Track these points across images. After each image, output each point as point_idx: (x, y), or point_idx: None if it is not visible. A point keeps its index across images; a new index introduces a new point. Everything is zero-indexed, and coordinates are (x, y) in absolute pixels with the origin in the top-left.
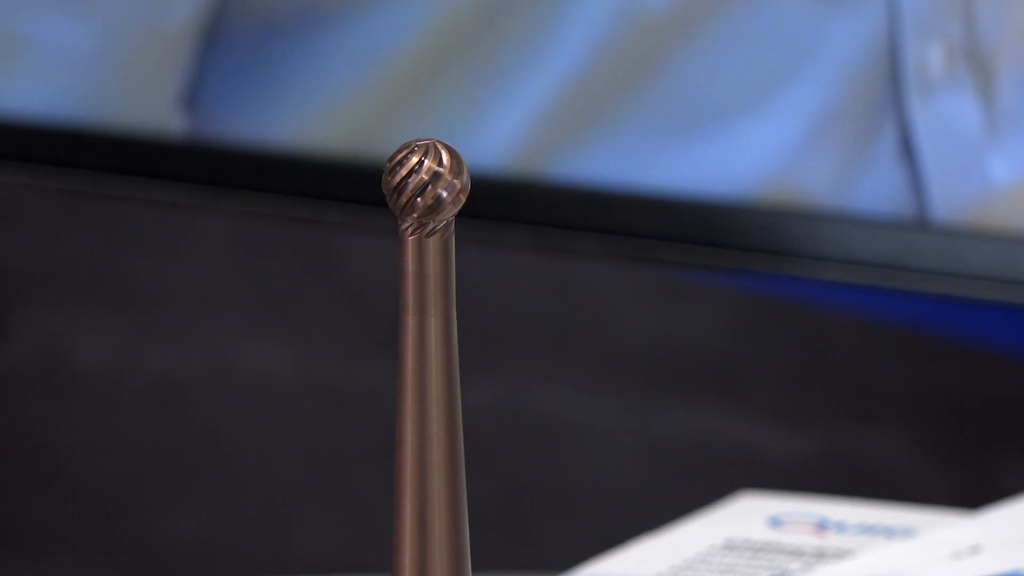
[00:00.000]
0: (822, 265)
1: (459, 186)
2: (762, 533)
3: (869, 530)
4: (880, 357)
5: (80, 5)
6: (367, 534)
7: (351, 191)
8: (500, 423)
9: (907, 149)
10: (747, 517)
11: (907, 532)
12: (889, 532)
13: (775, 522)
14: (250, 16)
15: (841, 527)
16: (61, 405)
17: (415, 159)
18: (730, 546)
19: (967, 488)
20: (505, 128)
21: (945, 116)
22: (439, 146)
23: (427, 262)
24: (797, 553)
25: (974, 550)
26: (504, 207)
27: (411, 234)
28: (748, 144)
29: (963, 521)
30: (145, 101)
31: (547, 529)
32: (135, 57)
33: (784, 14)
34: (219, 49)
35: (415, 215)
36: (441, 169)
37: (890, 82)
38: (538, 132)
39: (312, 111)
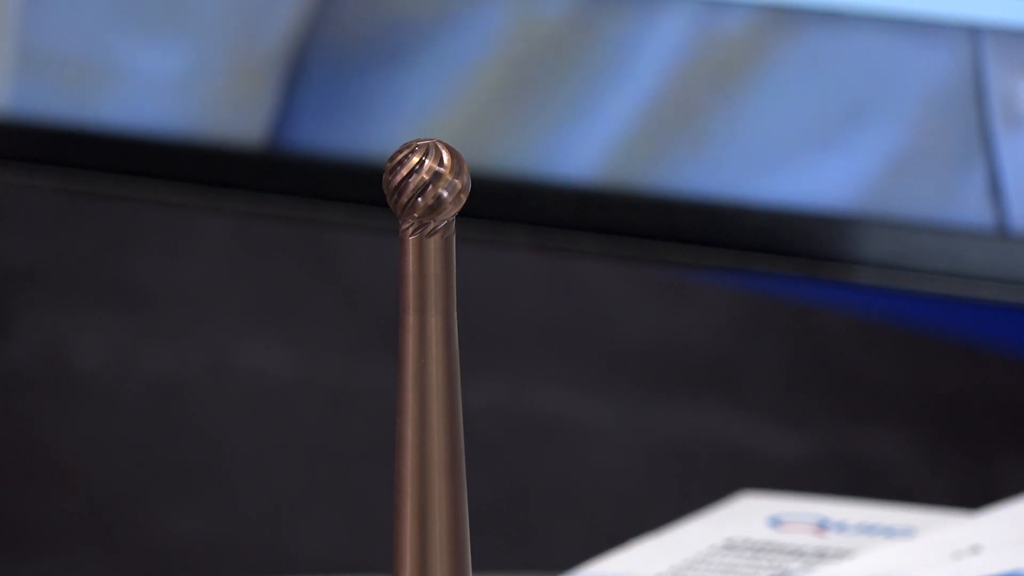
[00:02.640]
0: (822, 265)
1: (460, 186)
2: (762, 533)
3: (869, 530)
4: (880, 357)
5: (170, 31)
6: (367, 534)
7: (352, 191)
8: (500, 423)
9: (995, 189)
10: (747, 517)
11: (907, 532)
12: (889, 532)
13: (775, 522)
14: (338, 42)
15: (841, 527)
16: (61, 405)
17: (416, 159)
18: (730, 546)
19: (967, 488)
20: (588, 145)
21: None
22: (440, 146)
23: (428, 262)
24: (797, 553)
25: (974, 550)
26: (504, 207)
27: (412, 234)
28: (821, 182)
29: (963, 521)
30: (235, 124)
31: (547, 529)
32: (225, 83)
33: (863, 42)
34: (306, 76)
35: (416, 215)
36: (442, 169)
37: (976, 118)
38: (618, 150)
39: (398, 130)
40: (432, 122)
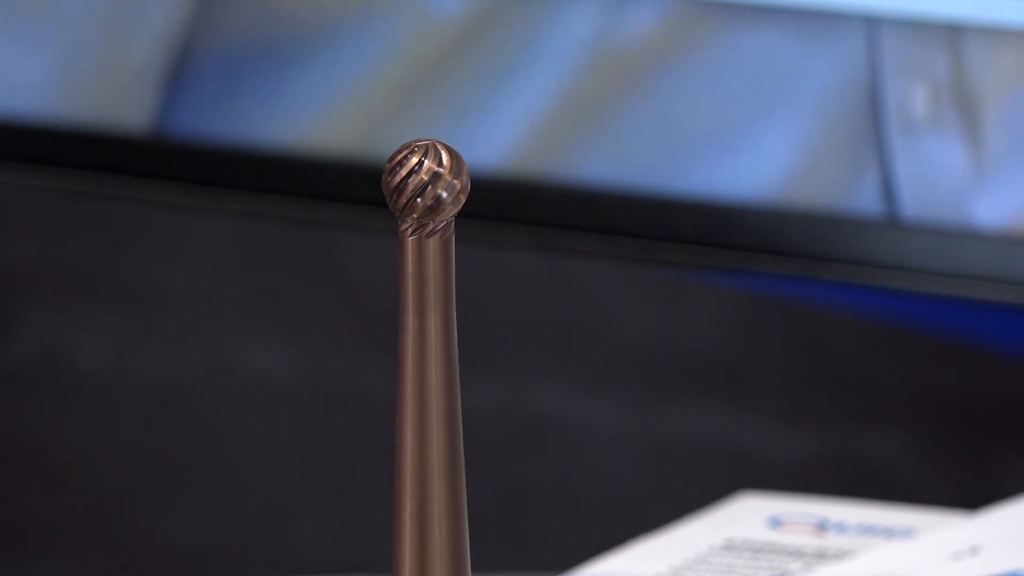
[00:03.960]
0: (822, 265)
1: (459, 186)
2: (762, 533)
3: (869, 530)
4: (880, 358)
5: (34, 34)
6: (367, 534)
7: (351, 191)
8: (500, 423)
9: (888, 192)
10: (747, 517)
11: (907, 533)
12: (889, 533)
13: (775, 522)
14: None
15: (841, 527)
16: (61, 405)
17: (415, 159)
18: (730, 546)
19: (967, 489)
20: (500, 133)
21: (929, 159)
22: (439, 146)
23: (427, 262)
24: (797, 553)
25: (974, 551)
26: (504, 207)
27: (411, 234)
28: (725, 183)
29: (963, 522)
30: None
31: (547, 529)
32: (96, 87)
33: (762, 49)
34: (190, 75)
35: (415, 215)
36: (441, 169)
37: (871, 122)
38: (533, 136)
39: (309, 117)
40: (333, 117)
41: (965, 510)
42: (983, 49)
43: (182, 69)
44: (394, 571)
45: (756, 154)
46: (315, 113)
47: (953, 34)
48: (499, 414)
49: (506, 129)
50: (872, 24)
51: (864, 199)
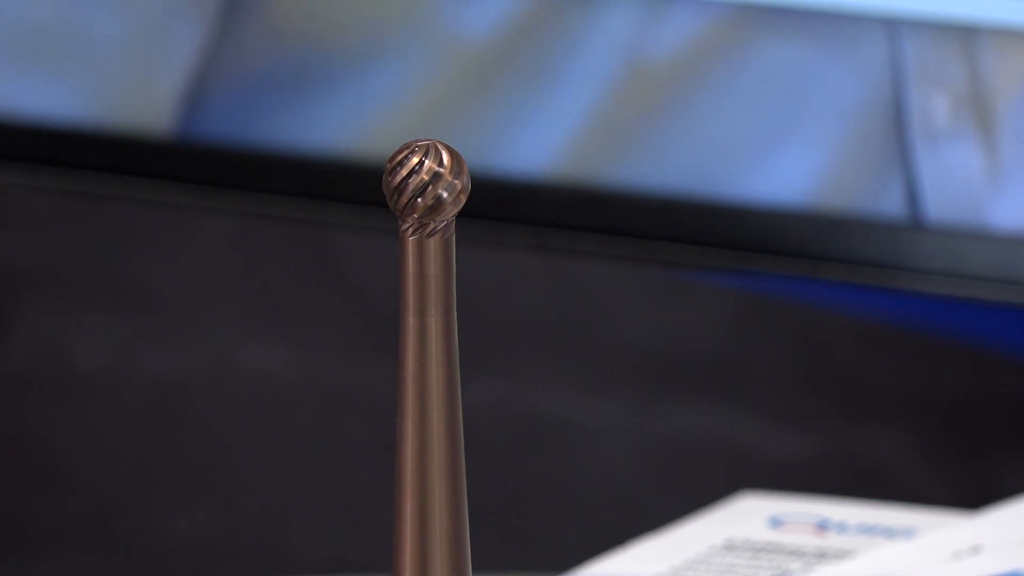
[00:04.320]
0: (822, 265)
1: (459, 186)
2: (763, 533)
3: (870, 530)
4: (880, 357)
5: (57, 72)
6: (367, 534)
7: (351, 191)
8: (501, 423)
9: (912, 202)
10: (747, 517)
11: (907, 532)
12: (889, 532)
13: (776, 522)
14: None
15: (842, 527)
16: (62, 405)
17: (415, 159)
18: (731, 546)
19: (967, 488)
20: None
21: (950, 167)
22: (439, 146)
23: (427, 262)
24: (798, 553)
25: (974, 550)
26: (504, 207)
27: (411, 234)
28: (756, 192)
29: (963, 521)
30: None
31: (547, 529)
32: (107, 91)
33: (786, 63)
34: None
35: (415, 215)
36: (441, 169)
37: (895, 132)
38: (568, 149)
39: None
40: (359, 139)
41: (966, 510)
42: (996, 53)
43: (201, 85)
44: (394, 571)
45: (783, 164)
46: (341, 135)
47: (968, 39)
48: (500, 414)
49: (522, 132)
50: (894, 32)
51: (888, 206)
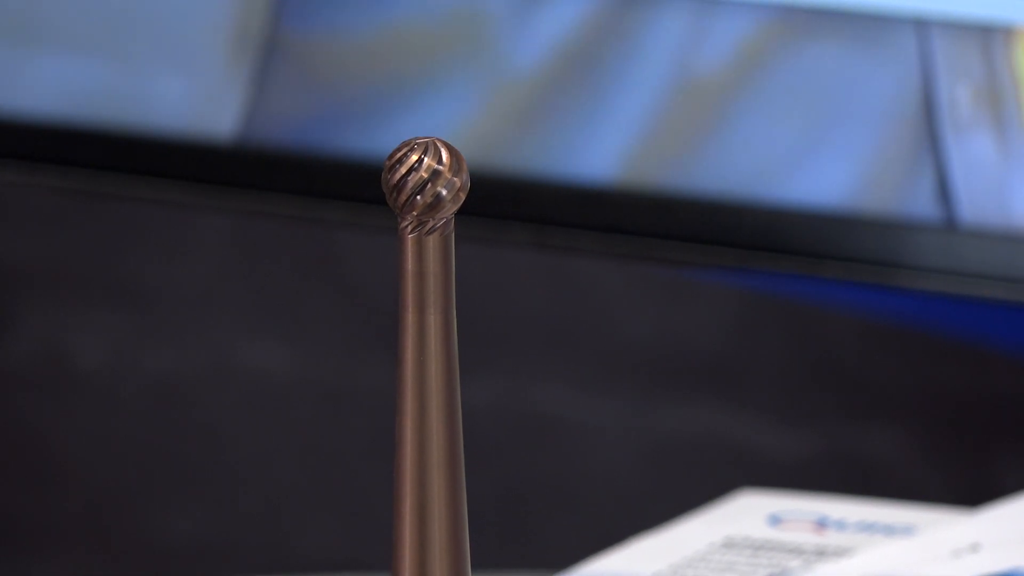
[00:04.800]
0: (823, 263)
1: (459, 184)
2: (762, 531)
3: (869, 528)
4: (880, 355)
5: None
6: (367, 533)
7: (351, 189)
8: (500, 421)
9: (943, 192)
10: (747, 515)
11: (907, 530)
12: (889, 530)
13: (775, 520)
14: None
15: (841, 525)
16: (61, 404)
17: (415, 157)
18: (730, 544)
19: (967, 486)
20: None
21: (975, 155)
22: (439, 144)
23: (427, 260)
24: (797, 551)
25: (974, 548)
26: (504, 205)
27: (411, 232)
28: (795, 195)
29: (963, 519)
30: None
31: (546, 527)
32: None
33: (823, 65)
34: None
35: (415, 213)
36: (441, 167)
37: (926, 125)
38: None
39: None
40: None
41: (965, 508)
42: (1009, 47)
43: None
44: (394, 569)
45: (823, 167)
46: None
47: (985, 32)
48: (499, 412)
49: (522, 131)
50: (923, 31)
51: (921, 203)
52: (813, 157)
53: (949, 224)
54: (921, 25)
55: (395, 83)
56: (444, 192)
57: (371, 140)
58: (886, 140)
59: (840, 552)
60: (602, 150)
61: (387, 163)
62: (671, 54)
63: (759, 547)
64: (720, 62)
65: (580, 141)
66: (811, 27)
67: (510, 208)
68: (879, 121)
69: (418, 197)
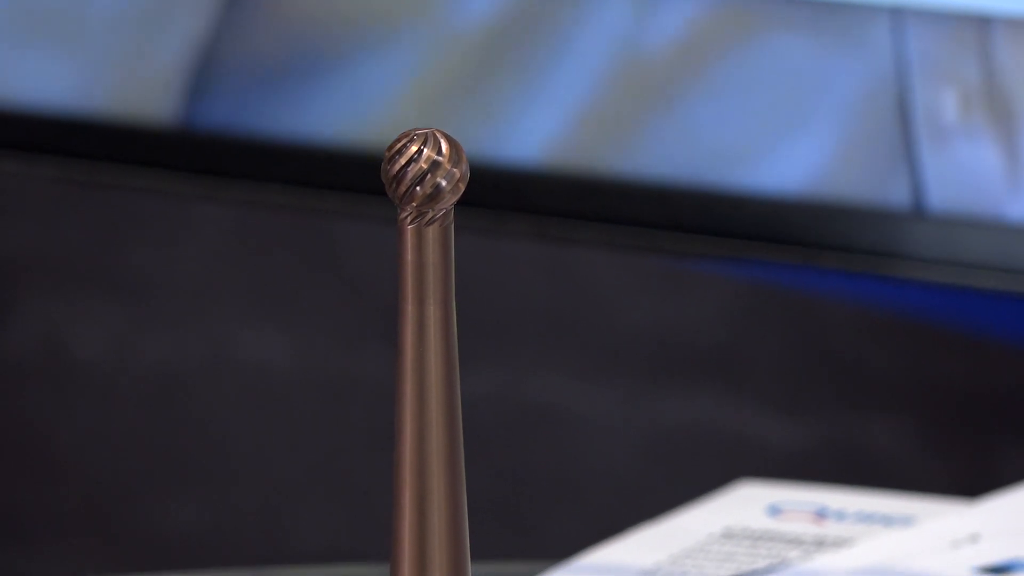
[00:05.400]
0: (822, 254)
1: (458, 175)
2: (761, 522)
3: (868, 518)
4: (879, 346)
5: (62, 46)
6: (366, 524)
7: (350, 180)
8: (499, 412)
9: (917, 195)
10: (746, 505)
11: (906, 520)
12: (888, 520)
13: (774, 510)
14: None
15: (840, 515)
16: (59, 394)
17: (414, 148)
18: (729, 534)
19: (966, 476)
20: (526, 124)
21: (960, 164)
22: (438, 135)
23: (426, 251)
24: (796, 541)
25: (973, 539)
26: (503, 196)
27: (410, 223)
28: (753, 185)
29: (962, 509)
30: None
31: (546, 518)
32: (107, 79)
33: (788, 57)
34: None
35: (414, 204)
36: (440, 158)
37: (900, 127)
38: (564, 138)
39: (334, 127)
40: (358, 127)
41: (964, 498)
42: (1012, 46)
43: (202, 71)
44: (393, 560)
45: (784, 157)
46: (340, 124)
47: (982, 34)
48: (498, 403)
49: (521, 121)
50: (899, 24)
51: (893, 199)
52: (769, 149)
53: (919, 212)
54: (897, 18)
55: (334, 46)
56: (443, 183)
57: (299, 110)
58: (849, 139)
59: (839, 542)
60: (533, 132)
61: (386, 153)
62: (616, 34)
63: (758, 537)
64: (676, 42)
65: (511, 122)
66: (776, 15)
67: (508, 199)
68: (843, 117)
69: (417, 188)
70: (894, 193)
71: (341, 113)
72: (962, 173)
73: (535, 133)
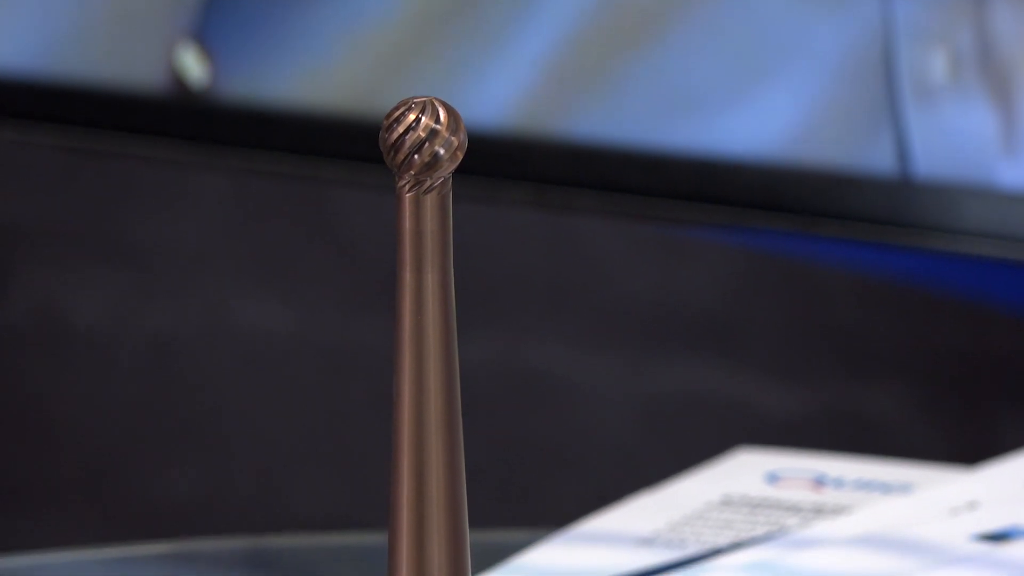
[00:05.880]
0: (821, 221)
1: (456, 143)
2: (759, 489)
3: (866, 486)
4: (878, 314)
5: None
6: (364, 492)
7: (349, 148)
8: (497, 380)
9: (902, 156)
10: (744, 473)
11: (904, 488)
12: (886, 488)
13: (772, 478)
14: None
15: (838, 483)
16: (58, 362)
17: (412, 116)
18: (727, 502)
19: (964, 444)
20: (501, 87)
21: (947, 126)
22: (436, 103)
23: (424, 219)
24: (794, 509)
25: (971, 506)
26: (502, 164)
27: (408, 191)
28: (731, 138)
29: (960, 477)
30: (136, 49)
31: (544, 485)
32: (97, 43)
33: (771, 11)
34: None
35: (412, 172)
36: (438, 126)
37: (885, 88)
38: (533, 92)
39: (309, 69)
40: (342, 62)
41: (963, 465)
42: (1013, 10)
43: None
44: (391, 527)
45: (760, 112)
46: (312, 69)
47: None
48: (496, 370)
49: (505, 85)
50: None
51: (876, 161)
52: (744, 104)
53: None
54: None
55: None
56: (442, 151)
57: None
58: (830, 96)
59: (838, 510)
60: (502, 91)
61: (385, 122)
62: None
63: (757, 505)
64: None
65: (477, 82)
66: None
67: (508, 167)
68: (824, 74)
69: (416, 156)
70: (878, 157)
71: (302, 68)
72: (950, 136)
73: (502, 92)
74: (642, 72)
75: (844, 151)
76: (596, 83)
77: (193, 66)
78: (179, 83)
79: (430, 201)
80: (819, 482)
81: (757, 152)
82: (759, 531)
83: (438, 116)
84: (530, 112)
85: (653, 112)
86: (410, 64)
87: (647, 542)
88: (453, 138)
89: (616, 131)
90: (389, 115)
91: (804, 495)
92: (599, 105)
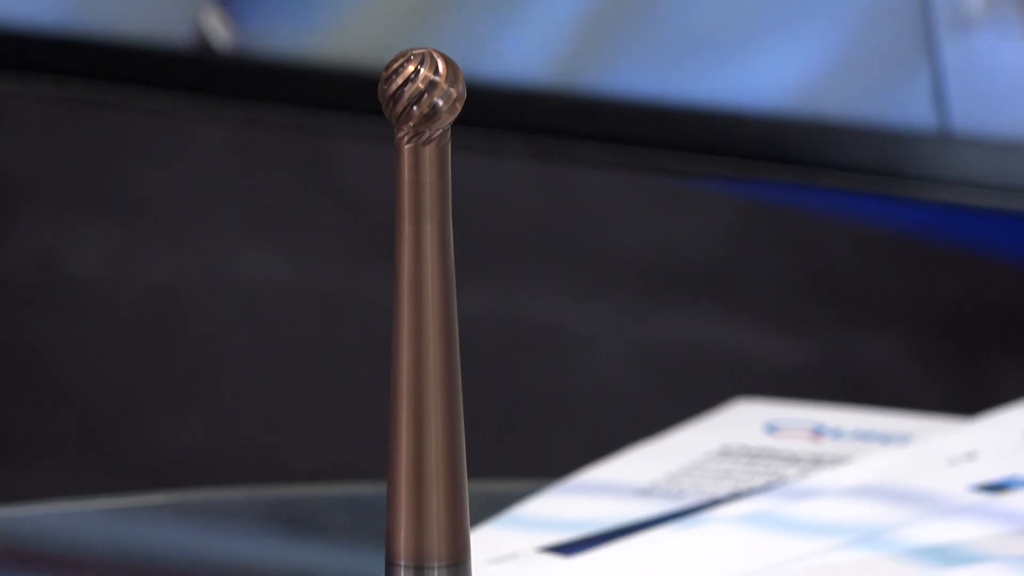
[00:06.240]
0: (819, 172)
1: (455, 95)
2: (758, 439)
3: (865, 436)
4: (877, 264)
5: None
6: (364, 442)
7: (348, 99)
8: (496, 331)
9: (938, 90)
10: (743, 423)
11: (903, 438)
12: (885, 438)
13: (771, 428)
14: None
15: (837, 433)
16: (57, 314)
17: (411, 68)
18: (726, 452)
19: (963, 395)
20: (523, 43)
21: (981, 55)
22: (435, 55)
23: (423, 171)
24: (793, 459)
25: (970, 456)
26: (500, 115)
27: (407, 143)
28: (767, 72)
29: (959, 427)
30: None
31: (543, 435)
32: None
33: None
34: None
35: (411, 124)
36: (437, 78)
37: (921, 20)
38: (547, 47)
39: (330, 26)
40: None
41: (962, 416)
42: None
43: None
44: (390, 477)
45: (783, 59)
46: (327, 27)
47: None
48: (495, 321)
49: (518, 40)
50: None
51: (917, 96)
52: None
53: (943, 132)
54: None
55: None
56: (440, 103)
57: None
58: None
59: (836, 460)
60: (531, 46)
61: (383, 73)
62: None
63: (755, 455)
64: None
65: (506, 35)
66: None
67: (506, 118)
68: (861, 8)
69: (414, 107)
70: (915, 105)
71: (323, 26)
72: (982, 66)
73: (525, 49)
74: (654, 20)
75: (876, 100)
76: (615, 37)
77: (218, 27)
78: (203, 43)
79: (429, 152)
80: (818, 432)
81: (791, 99)
82: (758, 481)
83: (437, 67)
84: (544, 65)
85: (666, 62)
86: (423, 21)
87: (646, 492)
88: (452, 89)
89: (626, 83)
90: (388, 66)
91: (803, 446)
92: (616, 57)
